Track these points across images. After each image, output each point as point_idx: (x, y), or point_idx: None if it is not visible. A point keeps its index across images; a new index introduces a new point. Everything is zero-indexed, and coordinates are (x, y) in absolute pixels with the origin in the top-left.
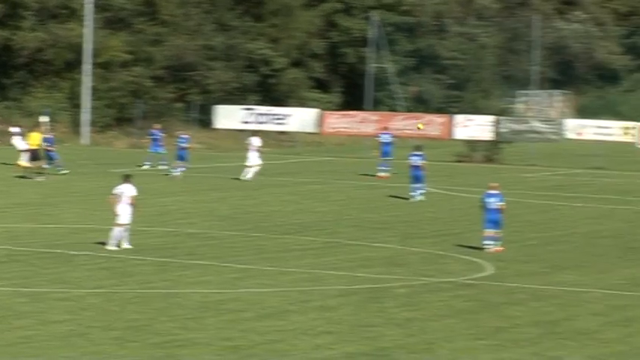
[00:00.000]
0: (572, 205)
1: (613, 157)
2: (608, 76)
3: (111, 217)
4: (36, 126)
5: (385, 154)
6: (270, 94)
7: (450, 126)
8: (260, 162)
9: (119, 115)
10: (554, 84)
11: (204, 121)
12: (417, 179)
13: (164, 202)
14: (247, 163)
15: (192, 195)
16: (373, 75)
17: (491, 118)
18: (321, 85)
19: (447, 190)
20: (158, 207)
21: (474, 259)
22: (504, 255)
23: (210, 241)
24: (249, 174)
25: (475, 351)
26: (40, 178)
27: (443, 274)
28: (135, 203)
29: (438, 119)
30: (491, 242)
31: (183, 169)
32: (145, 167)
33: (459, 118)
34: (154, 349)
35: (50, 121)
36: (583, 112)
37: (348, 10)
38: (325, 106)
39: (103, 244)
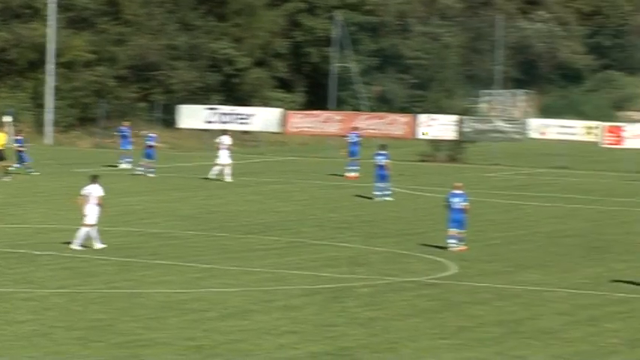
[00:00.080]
0: (536, 204)
1: (576, 156)
2: (571, 76)
3: (75, 217)
4: (0, 126)
5: (352, 154)
6: (234, 93)
7: (413, 125)
8: (230, 161)
9: (82, 114)
10: (518, 83)
11: (168, 120)
12: (382, 179)
13: (127, 201)
14: (217, 162)
15: (155, 195)
16: (337, 75)
17: (454, 117)
18: (285, 85)
19: (411, 190)
20: (121, 207)
21: (438, 259)
22: (468, 254)
23: (174, 241)
24: (227, 177)
25: (438, 350)
26: (6, 179)
27: (406, 273)
28: (102, 204)
29: (402, 119)
30: (455, 241)
31: (153, 169)
32: (123, 166)
33: (423, 118)
34: (117, 349)
35: (13, 121)
36: (546, 112)
37: (311, 10)
38: (289, 106)
39: (68, 243)
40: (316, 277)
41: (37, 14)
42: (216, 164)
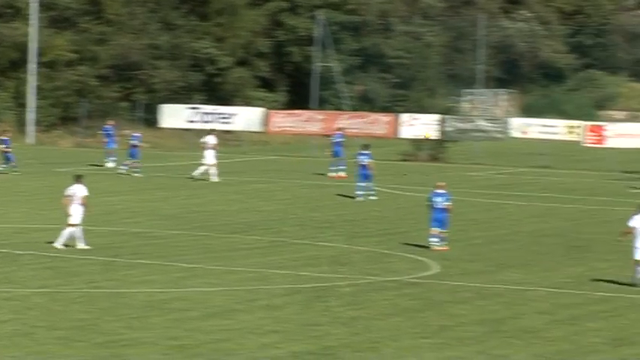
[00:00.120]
0: (518, 203)
1: (558, 155)
2: (553, 75)
3: (57, 217)
4: None
5: (336, 154)
6: (216, 93)
7: (395, 125)
8: (215, 161)
9: (64, 114)
10: (500, 83)
11: (150, 120)
12: (365, 178)
13: (110, 201)
14: (203, 162)
15: (138, 194)
16: (319, 74)
17: (436, 116)
18: (267, 84)
19: (393, 189)
20: (104, 206)
21: (420, 258)
22: (449, 254)
23: (156, 241)
24: (212, 177)
25: (420, 349)
26: None
27: (388, 272)
28: (86, 203)
29: (384, 118)
30: (437, 240)
31: (139, 168)
32: (109, 165)
33: (405, 117)
34: (99, 349)
35: None
36: (528, 111)
37: (293, 9)
38: (271, 105)
39: (50, 243)
40: (299, 277)
41: (18, 14)
42: (202, 164)
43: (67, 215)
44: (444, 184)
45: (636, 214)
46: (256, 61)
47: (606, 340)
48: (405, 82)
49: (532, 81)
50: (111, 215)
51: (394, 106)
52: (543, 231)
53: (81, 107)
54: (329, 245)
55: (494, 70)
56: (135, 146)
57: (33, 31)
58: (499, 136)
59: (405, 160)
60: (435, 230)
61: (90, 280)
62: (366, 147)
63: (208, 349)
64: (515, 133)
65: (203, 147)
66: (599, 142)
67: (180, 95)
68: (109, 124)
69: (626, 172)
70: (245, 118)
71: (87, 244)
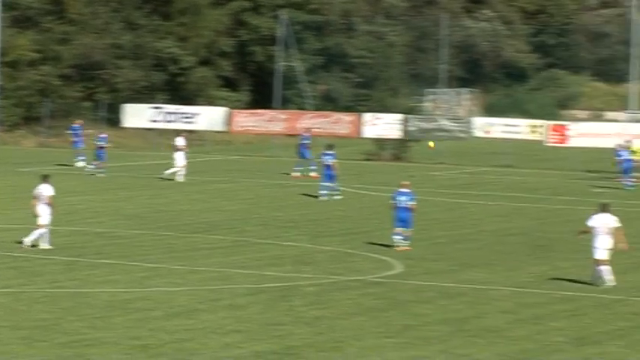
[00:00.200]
0: (481, 203)
1: (521, 155)
2: (515, 75)
3: (20, 217)
4: None
5: (302, 154)
6: (179, 92)
7: (358, 124)
8: (184, 162)
9: (27, 114)
10: (462, 82)
11: (113, 119)
12: (329, 178)
13: (72, 201)
14: (175, 163)
15: (100, 194)
16: (282, 73)
17: (399, 116)
18: (230, 84)
19: (356, 189)
20: (66, 206)
21: (383, 258)
22: (413, 253)
23: (119, 240)
24: (179, 176)
25: (384, 349)
26: None
27: (352, 272)
28: (52, 203)
29: (347, 118)
30: (401, 238)
31: (104, 169)
32: (80, 165)
33: (368, 117)
34: (62, 349)
35: None
36: (491, 111)
37: (256, 9)
38: (234, 105)
39: (19, 243)
40: (262, 276)
41: None
42: (174, 165)
43: (35, 215)
44: (408, 183)
45: (596, 213)
46: (219, 61)
47: (569, 340)
48: (368, 82)
49: (495, 80)
50: (73, 215)
51: (357, 105)
52: (506, 230)
53: (44, 107)
54: (292, 245)
55: (456, 70)
56: (101, 147)
57: None
58: (462, 135)
59: (368, 160)
60: (399, 230)
61: (53, 279)
62: (330, 147)
63: (171, 349)
64: (478, 133)
65: (173, 149)
66: (562, 141)
67: (143, 95)
68: (77, 124)
69: (589, 171)
70: (208, 117)
71: (50, 244)
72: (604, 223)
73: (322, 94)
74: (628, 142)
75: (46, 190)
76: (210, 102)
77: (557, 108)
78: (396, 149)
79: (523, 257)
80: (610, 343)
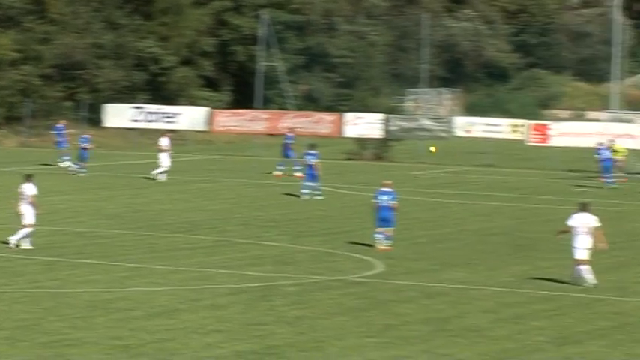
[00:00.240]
0: (462, 202)
1: (502, 154)
2: (497, 74)
3: (2, 217)
4: None
5: (286, 155)
6: (160, 92)
7: (339, 124)
8: (169, 163)
9: (8, 113)
10: (444, 82)
11: (94, 119)
12: (311, 178)
13: (53, 200)
14: (161, 164)
15: (81, 194)
16: (263, 73)
17: (380, 116)
18: (211, 84)
19: (338, 188)
20: (47, 206)
21: (364, 257)
22: (394, 253)
23: (100, 240)
24: (160, 175)
25: (365, 348)
26: None
27: (333, 272)
28: (35, 203)
29: (328, 117)
30: (382, 237)
31: (85, 169)
32: (65, 164)
33: (349, 116)
34: (43, 349)
35: None
36: (472, 110)
37: (237, 9)
38: (215, 105)
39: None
40: (243, 276)
41: None
42: (160, 166)
43: (19, 215)
44: (390, 182)
45: (576, 213)
46: (201, 61)
47: (550, 339)
48: (350, 82)
49: (476, 80)
50: (54, 215)
51: (338, 105)
52: (488, 230)
53: (25, 107)
54: (273, 244)
55: (438, 70)
56: (85, 148)
57: None
58: (443, 135)
59: (349, 160)
60: (381, 229)
61: (33, 279)
62: (312, 147)
63: (152, 349)
64: (460, 132)
65: (158, 149)
66: (543, 141)
67: (124, 95)
68: (61, 124)
69: (571, 171)
70: (189, 117)
71: (31, 244)
72: (584, 223)
73: (304, 94)
74: (611, 141)
75: (29, 189)
76: (192, 102)
77: (538, 107)
78: (377, 149)
79: (504, 257)
80: (591, 342)
